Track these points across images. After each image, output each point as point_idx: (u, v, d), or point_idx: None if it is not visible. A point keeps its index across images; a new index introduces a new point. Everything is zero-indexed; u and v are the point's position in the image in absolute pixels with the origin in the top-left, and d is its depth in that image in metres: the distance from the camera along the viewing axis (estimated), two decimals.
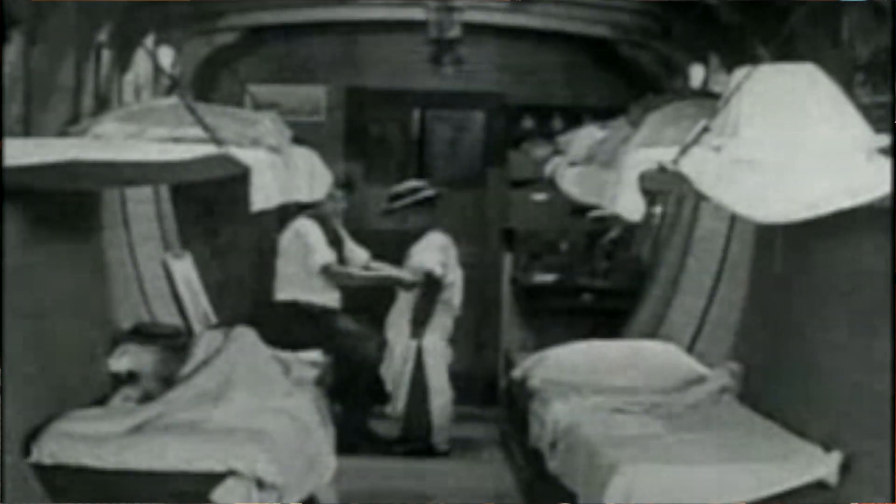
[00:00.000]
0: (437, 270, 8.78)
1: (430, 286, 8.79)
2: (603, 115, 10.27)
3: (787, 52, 6.83)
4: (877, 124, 5.56)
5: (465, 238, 10.49)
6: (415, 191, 8.96)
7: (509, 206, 10.50)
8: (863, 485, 5.12)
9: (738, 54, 7.71)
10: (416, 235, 8.94)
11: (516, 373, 8.06)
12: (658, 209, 9.61)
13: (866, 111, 5.67)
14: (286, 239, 8.80)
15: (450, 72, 8.14)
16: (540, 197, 10.45)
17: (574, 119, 10.37)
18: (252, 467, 5.27)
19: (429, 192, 9.00)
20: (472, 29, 9.28)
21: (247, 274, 9.99)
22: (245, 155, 5.33)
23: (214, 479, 5.24)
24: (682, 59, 8.81)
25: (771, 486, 5.23)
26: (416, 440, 8.79)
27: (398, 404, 8.72)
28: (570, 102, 10.40)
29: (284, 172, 5.64)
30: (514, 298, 10.52)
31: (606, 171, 6.37)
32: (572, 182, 7.29)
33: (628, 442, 5.72)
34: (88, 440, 5.44)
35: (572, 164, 7.44)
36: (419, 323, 8.77)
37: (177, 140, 5.74)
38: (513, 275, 10.51)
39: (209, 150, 5.30)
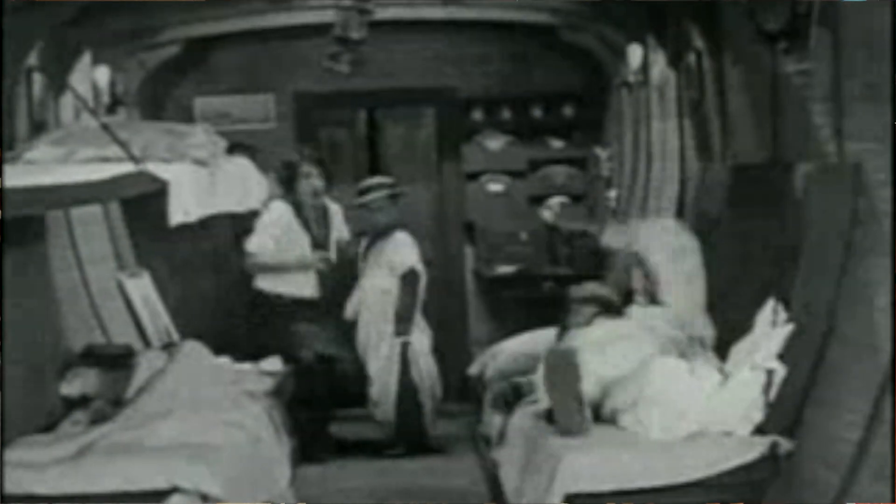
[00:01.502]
0: (419, 267, 8.77)
1: (413, 283, 8.75)
2: (552, 101, 10.38)
3: (714, 27, 6.88)
4: (799, 91, 5.59)
5: (425, 234, 10.49)
6: (382, 186, 8.91)
7: (466, 199, 10.48)
8: None
9: (672, 33, 7.76)
10: (383, 235, 8.86)
11: (473, 369, 8.06)
12: (613, 192, 9.60)
13: (790, 79, 5.70)
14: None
15: (346, 71, 8.09)
16: (496, 188, 10.46)
17: (524, 107, 10.40)
18: (196, 483, 5.26)
19: (396, 189, 8.97)
20: (413, 24, 9.30)
21: (207, 288, 9.95)
22: (164, 170, 5.31)
23: (159, 496, 5.22)
24: (622, 40, 8.81)
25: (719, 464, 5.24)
26: (409, 441, 8.72)
27: (385, 406, 8.66)
28: (519, 92, 10.36)
29: (208, 185, 5.61)
30: (478, 291, 10.52)
31: None
32: None
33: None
34: (34, 467, 5.42)
35: None
36: (406, 320, 8.73)
37: (104, 160, 5.73)
38: (475, 268, 10.50)
39: (131, 168, 5.29)
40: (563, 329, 6.70)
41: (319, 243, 8.74)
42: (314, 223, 8.77)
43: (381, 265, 8.77)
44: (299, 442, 7.93)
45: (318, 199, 8.78)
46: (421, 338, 8.75)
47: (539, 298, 9.90)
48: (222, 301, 9.88)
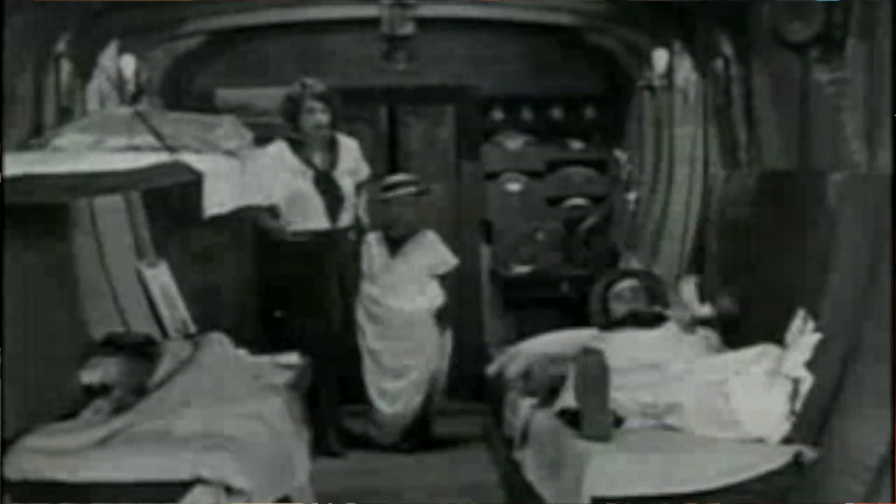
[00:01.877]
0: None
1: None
2: (574, 102, 10.39)
3: (743, 34, 6.87)
4: (831, 100, 5.59)
5: (442, 233, 10.49)
6: (406, 184, 8.89)
7: (485, 198, 10.48)
8: None
9: (700, 39, 7.75)
10: (411, 234, 8.84)
11: (491, 369, 8.05)
12: (633, 195, 9.61)
13: (822, 88, 5.70)
14: None
15: (402, 68, 8.08)
16: (515, 188, 10.46)
17: (545, 108, 10.41)
18: (219, 474, 5.26)
19: (421, 187, 8.96)
20: (437, 23, 9.29)
21: (223, 279, 9.95)
22: (199, 161, 5.31)
23: (182, 487, 5.22)
24: (647, 43, 8.81)
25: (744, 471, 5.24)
26: (419, 435, 8.79)
27: (403, 402, 8.68)
28: (540, 92, 10.36)
29: (240, 176, 5.61)
30: (494, 291, 10.52)
31: None
32: None
33: None
34: (57, 454, 5.43)
35: None
36: (446, 318, 8.77)
37: (135, 149, 5.72)
38: (491, 267, 10.50)
39: (164, 157, 5.30)
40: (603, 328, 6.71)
41: (324, 177, 8.46)
42: (319, 158, 8.51)
43: (416, 264, 8.76)
44: (314, 436, 7.96)
45: (323, 131, 8.48)
46: (448, 337, 8.80)
47: (555, 299, 9.93)
48: (239, 293, 9.89)
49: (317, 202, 8.41)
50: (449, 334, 8.82)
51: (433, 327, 8.68)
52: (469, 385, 10.17)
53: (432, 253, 8.79)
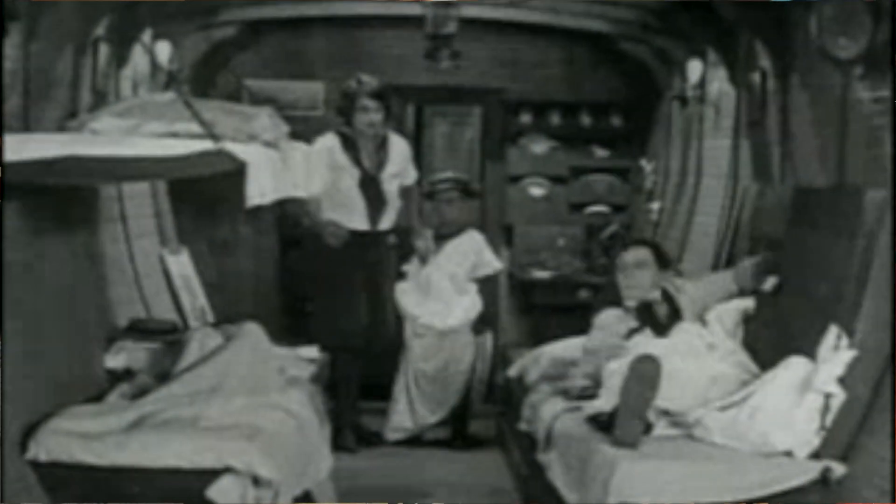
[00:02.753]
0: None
1: (493, 283, 8.81)
2: (601, 109, 10.40)
3: (783, 48, 6.87)
4: (873, 118, 5.59)
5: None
6: (457, 181, 8.88)
7: (508, 201, 10.49)
8: None
9: (736, 50, 7.75)
10: (455, 232, 8.83)
11: (512, 371, 8.05)
12: (656, 205, 9.61)
13: (863, 106, 5.70)
14: None
15: (446, 67, 8.07)
16: (538, 192, 10.45)
17: (572, 114, 10.41)
18: (248, 464, 5.26)
19: (471, 187, 8.95)
20: (469, 24, 9.27)
21: (244, 270, 9.95)
22: (241, 150, 5.31)
23: (210, 475, 5.22)
24: (681, 54, 8.81)
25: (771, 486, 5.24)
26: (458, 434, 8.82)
27: (444, 404, 8.71)
28: (568, 97, 10.37)
29: (280, 168, 5.62)
30: (512, 294, 10.52)
31: None
32: None
33: None
34: (85, 437, 5.42)
35: None
36: (489, 320, 8.80)
37: (173, 135, 5.72)
38: (511, 271, 10.50)
39: (206, 145, 5.29)
40: (636, 330, 6.70)
41: (370, 178, 8.37)
42: (368, 158, 8.39)
43: (459, 263, 8.75)
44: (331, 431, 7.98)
45: (376, 129, 8.34)
46: (488, 338, 8.83)
47: (573, 305, 9.90)
48: (261, 283, 9.88)
49: (359, 203, 8.34)
50: (489, 336, 8.81)
51: (469, 335, 8.67)
52: (483, 387, 10.17)
53: (476, 254, 8.76)
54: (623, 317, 6.83)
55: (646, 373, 5.64)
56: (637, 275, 6.90)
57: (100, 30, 6.95)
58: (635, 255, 7.01)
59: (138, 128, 5.96)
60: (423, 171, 10.22)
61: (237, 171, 5.25)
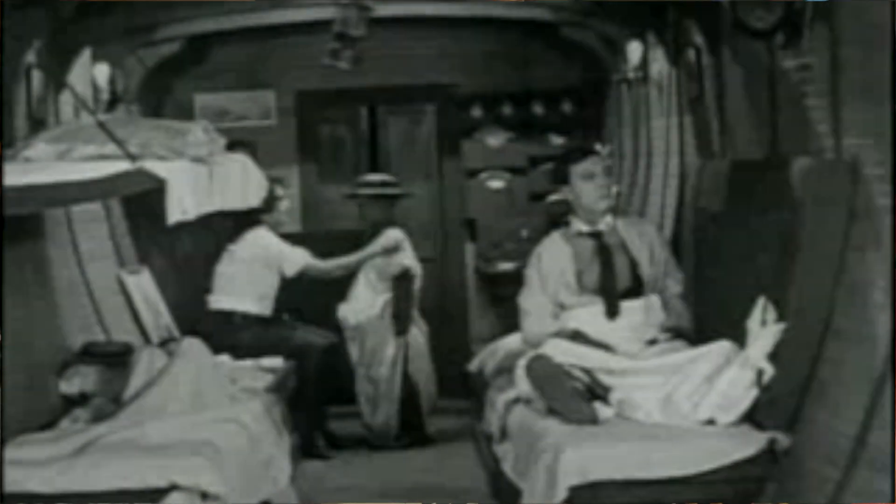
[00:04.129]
0: (413, 266, 8.78)
1: (408, 282, 8.77)
2: (553, 97, 10.39)
3: (712, 23, 6.87)
4: (797, 86, 5.59)
5: (426, 231, 10.51)
6: (384, 184, 8.93)
7: (467, 196, 10.49)
8: None
9: (672, 29, 7.75)
10: (372, 234, 8.89)
11: (472, 365, 8.07)
12: (614, 189, 9.57)
13: (789, 75, 5.70)
14: (244, 248, 8.75)
15: (344, 67, 8.06)
16: (497, 185, 10.45)
17: (525, 104, 10.41)
18: (195, 480, 5.26)
19: (396, 190, 8.98)
20: (415, 22, 9.29)
21: (206, 285, 9.93)
22: (162, 168, 5.30)
23: (157, 494, 5.22)
24: (622, 36, 8.80)
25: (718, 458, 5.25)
26: (410, 433, 8.83)
27: (387, 406, 8.69)
28: (519, 88, 10.37)
29: (206, 183, 5.61)
30: (479, 288, 10.52)
31: None
32: None
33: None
34: (33, 465, 5.42)
35: None
36: (404, 319, 8.74)
37: (103, 158, 5.72)
38: (476, 265, 10.50)
39: (128, 165, 5.30)
40: None
41: None
42: None
43: (375, 264, 8.78)
44: (300, 438, 7.99)
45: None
46: (419, 337, 8.77)
47: None
48: None
49: None
50: (416, 334, 8.78)
51: (388, 331, 8.66)
52: (456, 382, 10.18)
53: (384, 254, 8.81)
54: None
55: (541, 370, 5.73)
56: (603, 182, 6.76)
57: (31, 56, 6.92)
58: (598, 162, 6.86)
59: (69, 152, 5.96)
60: (380, 171, 10.30)
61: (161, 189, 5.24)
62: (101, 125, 5.59)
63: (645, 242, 6.67)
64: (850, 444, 4.81)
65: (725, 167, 6.75)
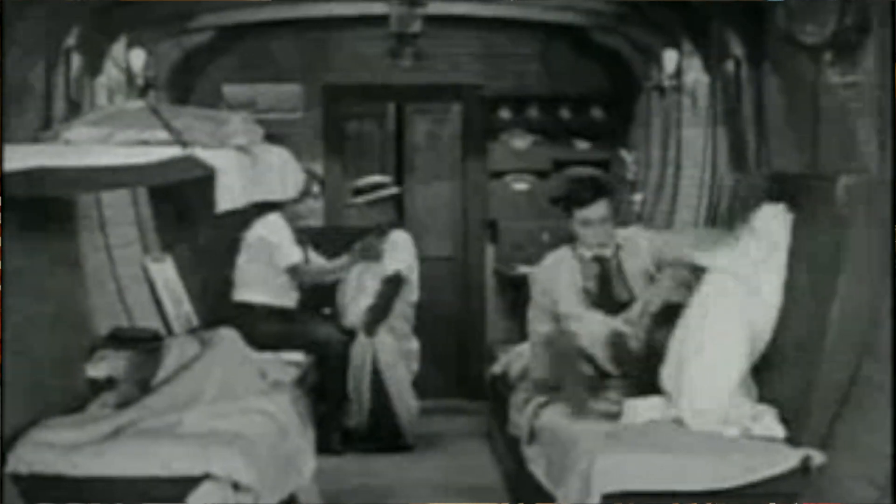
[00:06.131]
0: (405, 272, 8.77)
1: (393, 287, 8.75)
2: (581, 102, 10.39)
3: (755, 35, 6.87)
4: (845, 104, 5.58)
5: (447, 230, 10.51)
6: (376, 187, 8.91)
7: (490, 197, 10.48)
8: None
9: (710, 39, 7.74)
10: (381, 232, 8.86)
11: (496, 368, 8.06)
12: (639, 196, 9.59)
13: (835, 91, 5.69)
14: (251, 234, 8.76)
15: (408, 65, 8.07)
16: (520, 187, 10.45)
17: (552, 108, 10.40)
18: (228, 470, 5.25)
19: (391, 191, 8.97)
20: (445, 21, 9.28)
21: (229, 275, 9.93)
22: (211, 156, 5.30)
23: (190, 482, 5.21)
24: (657, 44, 8.80)
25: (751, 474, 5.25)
26: (384, 436, 8.76)
27: (362, 401, 8.69)
28: (547, 91, 10.36)
29: (252, 172, 5.60)
30: (498, 290, 10.52)
31: None
32: None
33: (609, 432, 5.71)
34: (64, 448, 5.41)
35: None
36: (375, 321, 8.73)
37: (145, 143, 5.71)
38: (496, 266, 10.49)
39: (176, 152, 5.29)
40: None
41: None
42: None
43: (369, 266, 8.79)
44: (316, 433, 7.99)
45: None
46: (385, 339, 8.70)
47: None
48: None
49: None
50: (386, 341, 8.74)
51: (361, 334, 8.69)
52: (472, 384, 10.20)
53: (388, 256, 8.80)
54: None
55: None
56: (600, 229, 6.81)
57: (71, 39, 6.92)
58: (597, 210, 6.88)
59: (110, 137, 5.94)
60: (405, 169, 10.31)
61: (209, 178, 5.24)
62: (153, 110, 5.57)
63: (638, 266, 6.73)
64: (888, 463, 4.81)
65: (763, 180, 6.74)
